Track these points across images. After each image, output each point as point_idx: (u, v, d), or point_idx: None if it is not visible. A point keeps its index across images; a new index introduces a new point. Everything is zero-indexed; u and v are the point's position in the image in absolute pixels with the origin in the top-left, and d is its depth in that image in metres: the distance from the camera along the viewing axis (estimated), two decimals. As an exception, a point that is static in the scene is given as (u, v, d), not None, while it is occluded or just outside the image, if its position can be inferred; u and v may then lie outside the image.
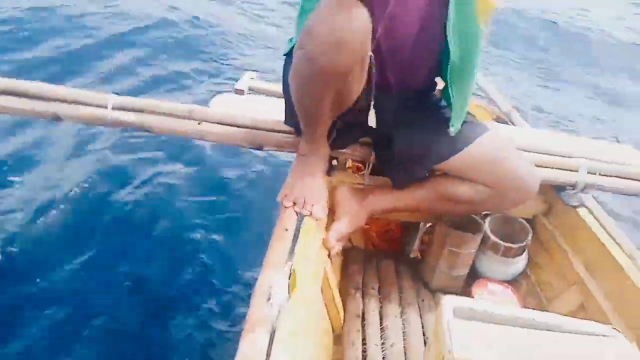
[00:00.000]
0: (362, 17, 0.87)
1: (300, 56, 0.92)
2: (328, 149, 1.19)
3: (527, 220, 1.47)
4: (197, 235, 1.88)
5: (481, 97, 2.06)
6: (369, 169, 1.37)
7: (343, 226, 1.23)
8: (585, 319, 1.04)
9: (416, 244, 1.56)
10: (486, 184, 1.17)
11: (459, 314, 0.88)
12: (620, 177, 1.39)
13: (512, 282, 1.41)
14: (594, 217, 1.30)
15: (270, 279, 0.90)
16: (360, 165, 1.50)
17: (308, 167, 1.17)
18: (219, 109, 1.42)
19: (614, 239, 1.22)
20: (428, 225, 1.52)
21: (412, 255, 1.58)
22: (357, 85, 1.02)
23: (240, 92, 1.61)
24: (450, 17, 1.04)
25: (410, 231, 1.59)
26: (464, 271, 1.39)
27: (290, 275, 0.91)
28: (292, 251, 1.00)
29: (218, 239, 1.89)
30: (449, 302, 0.90)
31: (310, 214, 1.11)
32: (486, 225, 1.38)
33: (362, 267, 1.49)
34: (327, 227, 1.23)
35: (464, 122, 1.22)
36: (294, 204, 1.11)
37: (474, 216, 1.38)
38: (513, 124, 1.80)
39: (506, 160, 1.17)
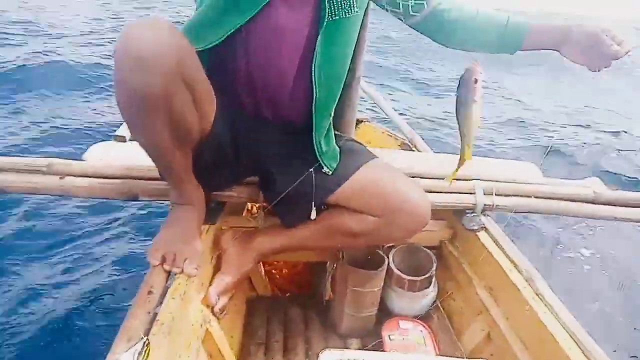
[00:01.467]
0: (171, 35, 0.81)
1: (114, 83, 0.83)
2: (201, 193, 1.08)
3: (434, 247, 1.42)
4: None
5: (388, 125, 2.04)
6: (260, 210, 1.28)
7: (228, 276, 1.12)
8: (492, 352, 0.97)
9: (327, 285, 1.46)
10: (373, 213, 1.11)
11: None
12: (518, 196, 1.37)
13: (425, 316, 1.34)
14: (493, 240, 1.26)
15: (119, 356, 0.77)
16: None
17: (180, 216, 1.06)
18: (90, 160, 1.29)
19: (513, 262, 1.18)
20: (335, 264, 1.43)
21: (325, 298, 1.48)
22: (192, 114, 0.93)
23: (121, 138, 1.48)
24: (317, 57, 1.01)
25: (320, 272, 1.49)
26: (371, 311, 1.30)
27: (143, 351, 0.78)
28: (153, 319, 0.87)
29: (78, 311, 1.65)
30: (327, 357, 0.81)
31: (182, 270, 0.99)
32: (390, 259, 1.31)
33: (266, 318, 1.37)
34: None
35: (347, 151, 1.18)
36: (163, 260, 0.99)
37: (377, 250, 1.31)
38: (417, 149, 1.78)
39: (391, 187, 1.12)
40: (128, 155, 1.37)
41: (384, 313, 1.34)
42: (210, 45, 0.99)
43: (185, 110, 0.90)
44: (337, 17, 1.01)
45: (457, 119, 0.93)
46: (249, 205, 1.54)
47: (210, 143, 1.03)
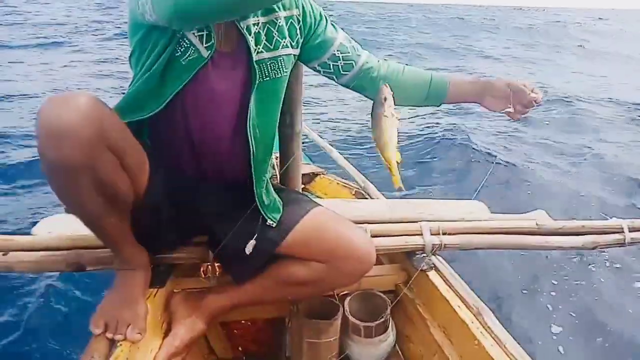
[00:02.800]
0: (88, 105, 0.84)
1: (39, 156, 0.85)
2: (145, 256, 1.09)
3: (391, 292, 1.43)
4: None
5: (342, 175, 2.11)
6: (210, 269, 1.28)
7: (177, 339, 1.11)
8: None
9: (286, 340, 1.44)
10: (320, 260, 1.14)
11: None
12: (465, 233, 1.41)
13: (385, 363, 1.33)
14: (443, 279, 1.29)
15: None
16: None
17: (123, 281, 1.06)
18: (39, 234, 1.28)
19: (462, 299, 1.20)
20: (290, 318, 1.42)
21: (287, 355, 1.45)
22: (121, 179, 0.95)
23: (72, 210, 1.48)
24: (251, 115, 1.07)
25: (280, 328, 1.47)
26: (330, 362, 1.28)
27: None
28: None
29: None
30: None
31: (124, 337, 0.97)
32: (346, 307, 1.32)
33: (226, 381, 1.33)
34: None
35: (289, 201, 1.21)
36: (105, 328, 0.98)
37: (332, 300, 1.32)
38: (370, 196, 1.83)
39: (335, 233, 1.15)
40: (78, 227, 1.37)
41: (345, 363, 1.32)
42: (152, 113, 1.03)
43: (112, 176, 0.92)
44: (268, 79, 1.09)
45: (374, 135, 1.00)
46: (204, 266, 1.53)
47: (149, 205, 1.05)
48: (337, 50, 1.16)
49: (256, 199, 1.14)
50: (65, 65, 7.20)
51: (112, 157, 0.91)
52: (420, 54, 11.32)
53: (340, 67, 1.18)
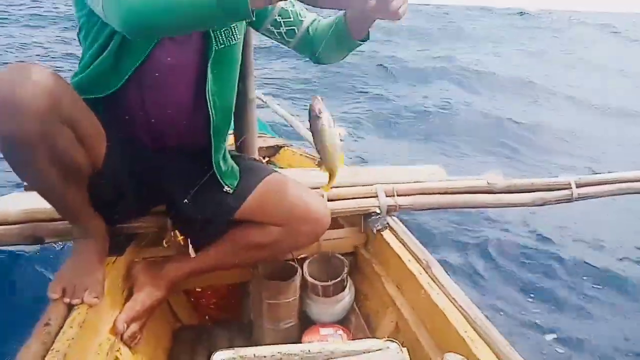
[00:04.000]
0: (41, 76, 0.84)
1: None
2: (103, 226, 1.11)
3: (350, 254, 1.48)
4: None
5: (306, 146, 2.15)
6: (170, 238, 1.31)
7: (137, 304, 1.14)
8: (401, 339, 1.03)
9: (249, 304, 1.48)
10: (276, 223, 1.18)
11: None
12: (418, 194, 1.47)
13: (344, 320, 1.38)
14: (396, 237, 1.34)
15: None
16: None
17: (81, 250, 1.09)
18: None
19: (413, 254, 1.25)
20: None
21: (250, 318, 1.50)
22: (76, 150, 0.96)
23: (30, 188, 1.49)
24: (209, 84, 1.09)
25: (243, 293, 1.52)
26: (290, 322, 1.33)
27: None
28: (48, 348, 0.88)
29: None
30: (218, 358, 0.84)
31: (82, 300, 1.00)
32: (305, 269, 1.36)
33: (191, 346, 1.37)
34: None
35: (246, 168, 1.24)
36: (63, 294, 1.00)
37: (290, 262, 1.36)
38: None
39: (290, 197, 1.19)
40: (37, 204, 1.38)
41: (306, 323, 1.37)
42: (110, 92, 1.05)
43: (68, 149, 0.93)
44: (223, 46, 1.10)
45: (317, 148, 1.01)
46: (165, 235, 1.56)
47: (107, 177, 1.06)
48: (278, 15, 1.16)
49: (214, 166, 1.16)
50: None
51: (67, 130, 0.91)
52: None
53: (283, 33, 1.18)
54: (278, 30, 1.18)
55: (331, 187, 1.12)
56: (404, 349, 0.84)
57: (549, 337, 1.85)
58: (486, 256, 2.20)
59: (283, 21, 1.17)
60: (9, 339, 1.58)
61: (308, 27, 1.19)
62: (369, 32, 1.08)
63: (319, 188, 1.38)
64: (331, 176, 1.07)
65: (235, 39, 1.13)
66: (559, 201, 1.57)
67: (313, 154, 2.03)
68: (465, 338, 0.93)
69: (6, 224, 1.20)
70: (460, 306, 1.02)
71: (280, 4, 1.15)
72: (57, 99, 0.87)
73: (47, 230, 1.20)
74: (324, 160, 1.03)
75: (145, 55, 1.03)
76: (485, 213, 2.40)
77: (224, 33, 1.10)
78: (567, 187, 1.56)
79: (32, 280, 1.72)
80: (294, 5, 1.18)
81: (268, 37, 1.23)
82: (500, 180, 1.56)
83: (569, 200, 1.56)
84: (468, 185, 1.52)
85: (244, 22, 1.14)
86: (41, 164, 0.89)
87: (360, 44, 1.10)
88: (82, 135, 0.97)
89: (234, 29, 1.12)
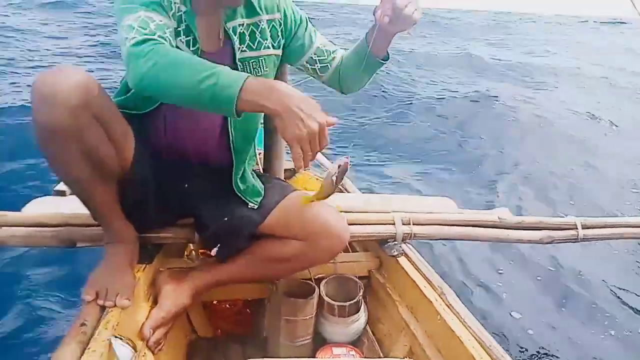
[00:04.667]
0: (77, 76, 0.92)
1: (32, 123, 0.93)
2: (134, 233, 1.17)
3: (364, 277, 1.53)
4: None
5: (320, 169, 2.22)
6: (194, 251, 1.37)
7: (163, 311, 1.18)
8: None
9: (265, 321, 1.52)
10: (297, 237, 1.23)
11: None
12: (433, 224, 1.53)
13: (357, 342, 1.42)
14: (412, 264, 1.39)
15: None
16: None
17: (112, 254, 1.14)
18: (26, 212, 1.34)
19: (428, 280, 1.31)
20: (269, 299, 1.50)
21: (264, 334, 1.53)
22: (106, 147, 1.02)
23: (60, 193, 1.54)
24: None
25: (259, 309, 1.55)
26: (306, 339, 1.37)
27: None
28: (85, 348, 0.92)
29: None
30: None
31: (114, 304, 1.05)
32: (321, 289, 1.41)
33: (206, 357, 1.40)
34: None
35: (271, 186, 1.32)
36: (97, 297, 1.05)
37: (308, 282, 1.41)
38: (347, 191, 1.94)
39: (311, 212, 1.25)
40: (67, 208, 1.43)
41: (319, 342, 1.41)
42: (142, 112, 1.15)
43: (98, 143, 0.99)
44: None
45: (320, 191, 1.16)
46: (188, 248, 1.61)
47: (134, 182, 1.12)
48: (314, 54, 1.27)
49: (233, 185, 1.23)
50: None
51: (98, 126, 0.98)
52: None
53: (317, 69, 1.30)
54: (312, 67, 1.29)
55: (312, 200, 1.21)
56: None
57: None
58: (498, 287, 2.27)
59: (318, 59, 1.27)
60: (40, 337, 1.63)
61: (339, 62, 1.29)
62: (388, 52, 1.22)
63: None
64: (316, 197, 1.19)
65: (262, 72, 1.21)
66: (564, 240, 1.64)
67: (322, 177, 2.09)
68: None
69: (40, 226, 1.25)
70: (476, 333, 1.07)
71: (314, 47, 1.27)
72: (90, 96, 0.94)
73: (80, 234, 1.24)
74: (318, 199, 1.18)
75: None
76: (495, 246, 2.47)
77: (252, 64, 1.19)
78: (573, 227, 1.63)
79: (59, 282, 1.77)
80: (326, 45, 1.28)
81: (300, 70, 1.33)
82: (510, 217, 1.63)
83: (575, 240, 1.63)
84: (480, 219, 1.58)
85: (274, 57, 1.23)
86: (72, 157, 0.96)
87: (384, 63, 1.24)
88: (111, 135, 1.04)
89: (263, 62, 1.20)
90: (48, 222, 1.25)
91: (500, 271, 2.37)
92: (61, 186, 1.56)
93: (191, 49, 1.09)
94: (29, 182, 2.62)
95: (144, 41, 0.93)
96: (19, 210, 1.38)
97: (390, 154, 4.30)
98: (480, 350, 1.02)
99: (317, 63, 1.28)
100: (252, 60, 1.18)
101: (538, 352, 1.92)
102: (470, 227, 1.56)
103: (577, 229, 1.62)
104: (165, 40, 0.97)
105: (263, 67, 1.20)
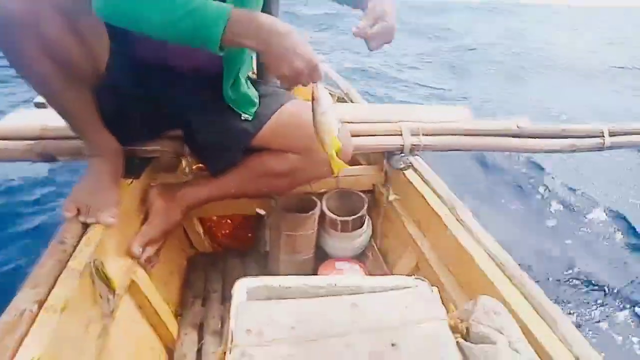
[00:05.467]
0: None
1: None
2: (116, 145, 1.06)
3: (369, 191, 1.44)
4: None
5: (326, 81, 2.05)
6: (188, 165, 1.27)
7: (152, 228, 1.11)
8: (419, 278, 1.00)
9: (265, 236, 1.46)
10: (295, 151, 1.12)
11: (254, 295, 0.80)
12: (444, 135, 1.40)
13: (361, 256, 1.37)
14: (420, 177, 1.29)
15: (26, 301, 0.76)
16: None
17: (95, 169, 1.04)
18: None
19: (437, 194, 1.21)
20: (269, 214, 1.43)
21: (265, 249, 1.48)
22: (72, 44, 0.89)
23: (41, 105, 1.42)
24: None
25: (259, 225, 1.50)
26: (308, 254, 1.32)
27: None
28: (64, 267, 0.85)
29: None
30: (242, 285, 0.81)
31: (97, 220, 0.97)
32: (323, 203, 1.33)
33: (205, 272, 1.36)
34: None
35: (266, 95, 1.18)
36: (78, 212, 0.97)
37: (310, 196, 1.32)
38: (352, 102, 1.79)
39: (309, 124, 1.12)
40: (47, 120, 1.32)
41: (322, 257, 1.36)
42: None
43: (63, 38, 0.86)
44: None
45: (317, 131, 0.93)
46: (184, 163, 1.52)
47: (113, 91, 1.00)
48: None
49: (223, 94, 1.10)
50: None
51: (61, 16, 0.85)
52: None
53: None
54: None
55: (337, 171, 0.97)
56: (434, 288, 0.81)
57: (576, 282, 1.86)
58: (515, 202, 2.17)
59: None
60: (20, 259, 1.60)
61: None
62: None
63: (344, 123, 1.32)
64: (331, 159, 0.96)
65: None
66: (588, 149, 1.51)
67: (333, 89, 1.94)
68: (494, 281, 0.90)
69: (16, 139, 1.15)
70: (489, 249, 0.99)
71: None
72: None
73: (59, 148, 1.15)
74: (320, 142, 0.94)
75: None
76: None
77: None
78: (600, 135, 1.49)
79: (44, 201, 1.71)
80: None
81: None
82: (530, 125, 1.49)
83: (600, 148, 1.50)
84: (496, 127, 1.44)
85: None
86: (32, 47, 0.84)
87: None
88: (78, 29, 0.89)
89: None
90: (25, 135, 1.15)
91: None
92: (41, 98, 1.43)
93: None
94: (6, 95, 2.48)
95: None
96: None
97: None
98: (494, 269, 0.94)
99: None
100: None
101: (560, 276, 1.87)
102: (486, 137, 1.43)
103: (603, 136, 1.49)
104: None
105: None
